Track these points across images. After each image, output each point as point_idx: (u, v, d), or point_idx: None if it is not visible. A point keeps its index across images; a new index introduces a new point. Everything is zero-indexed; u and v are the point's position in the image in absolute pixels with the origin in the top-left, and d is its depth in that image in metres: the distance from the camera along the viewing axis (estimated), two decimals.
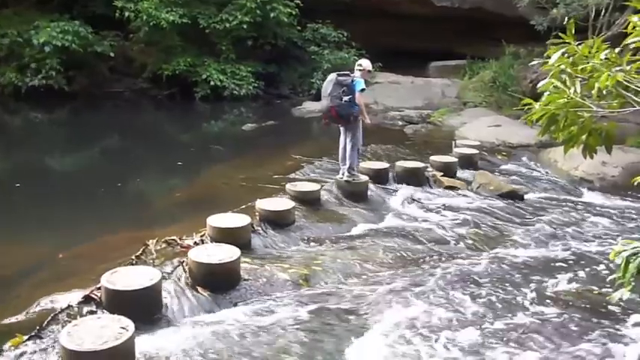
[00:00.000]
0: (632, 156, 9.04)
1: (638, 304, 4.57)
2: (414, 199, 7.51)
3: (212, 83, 15.12)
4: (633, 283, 2.90)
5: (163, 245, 5.34)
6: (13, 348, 3.75)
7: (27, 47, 14.52)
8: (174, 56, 15.43)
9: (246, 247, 5.37)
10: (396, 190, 7.75)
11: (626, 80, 2.81)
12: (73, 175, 9.54)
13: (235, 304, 4.60)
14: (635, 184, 3.33)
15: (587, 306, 4.82)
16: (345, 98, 6.80)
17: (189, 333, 4.12)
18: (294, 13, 15.85)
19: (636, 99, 2.90)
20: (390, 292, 4.90)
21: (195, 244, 5.33)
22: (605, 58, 2.89)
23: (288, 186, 6.97)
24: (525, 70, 13.61)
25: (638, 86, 2.82)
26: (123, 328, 3.61)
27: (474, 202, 7.60)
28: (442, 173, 8.39)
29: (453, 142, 10.34)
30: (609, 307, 4.62)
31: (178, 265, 4.92)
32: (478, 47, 17.00)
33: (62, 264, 5.46)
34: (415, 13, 17.50)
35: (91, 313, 4.11)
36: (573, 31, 2.97)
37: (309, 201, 6.80)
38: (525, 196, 7.93)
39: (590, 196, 8.24)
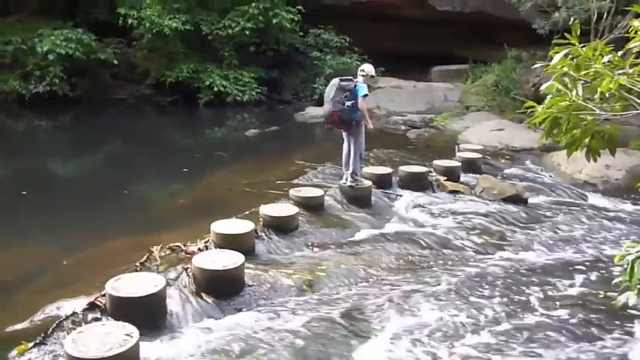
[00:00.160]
0: (636, 159, 9.02)
1: None
2: (417, 204, 7.50)
3: (215, 89, 15.17)
4: (639, 287, 2.88)
5: (167, 252, 5.34)
6: (18, 355, 3.76)
7: (31, 55, 14.62)
8: (177, 63, 15.49)
9: (250, 253, 5.37)
10: (400, 195, 7.74)
11: (629, 83, 2.81)
12: (77, 181, 9.56)
13: (239, 310, 4.60)
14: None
15: (593, 309, 4.80)
16: (348, 103, 6.80)
17: (194, 339, 4.12)
18: (296, 19, 15.90)
19: (639, 102, 2.90)
20: (395, 297, 4.89)
21: (200, 250, 5.33)
22: (608, 61, 2.89)
23: (292, 191, 6.97)
24: (528, 74, 13.61)
25: None
26: (127, 334, 3.62)
27: (478, 206, 7.59)
28: (445, 177, 8.38)
29: (456, 147, 10.33)
30: (615, 310, 4.60)
31: (182, 272, 4.92)
32: (480, 51, 17.02)
33: (66, 270, 5.47)
34: (416, 17, 17.53)
35: (96, 320, 4.12)
36: (578, 33, 2.97)
37: (312, 206, 6.80)
38: (529, 200, 7.91)
39: (594, 200, 8.21)
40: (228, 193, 8.21)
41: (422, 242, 6.31)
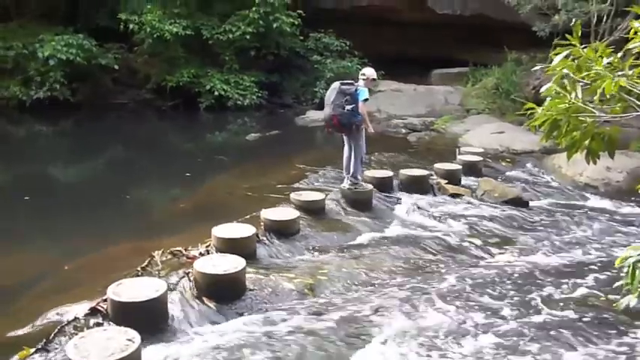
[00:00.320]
0: (637, 161, 9.01)
1: None
2: (418, 207, 7.50)
3: (216, 93, 15.18)
4: None
5: (169, 256, 5.35)
6: None
7: (32, 60, 14.65)
8: (177, 67, 15.52)
9: (251, 257, 5.37)
10: (401, 198, 7.74)
11: (628, 85, 2.81)
12: (78, 186, 9.57)
13: (241, 315, 4.60)
14: None
15: (596, 312, 4.79)
16: (348, 107, 6.80)
17: (196, 344, 4.12)
18: (296, 23, 15.92)
19: (639, 103, 2.90)
20: (396, 301, 4.89)
21: (201, 254, 5.33)
22: (608, 63, 2.89)
23: (293, 195, 6.98)
24: (528, 77, 13.61)
25: None
26: (129, 339, 3.62)
27: (479, 209, 7.59)
28: (446, 181, 8.38)
29: (457, 150, 10.33)
30: (616, 313, 4.59)
31: (184, 276, 4.92)
32: (480, 54, 17.04)
33: (68, 275, 5.47)
34: (416, 20, 17.56)
35: (98, 325, 4.11)
36: (579, 34, 2.97)
37: (313, 210, 6.80)
38: (530, 203, 7.91)
39: (595, 202, 8.20)
40: (229, 197, 8.22)
41: (423, 246, 6.31)
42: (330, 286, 5.21)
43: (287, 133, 13.74)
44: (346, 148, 7.24)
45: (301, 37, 16.98)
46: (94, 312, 4.27)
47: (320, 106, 10.97)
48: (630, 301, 2.87)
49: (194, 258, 5.19)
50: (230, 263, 4.84)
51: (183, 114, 15.63)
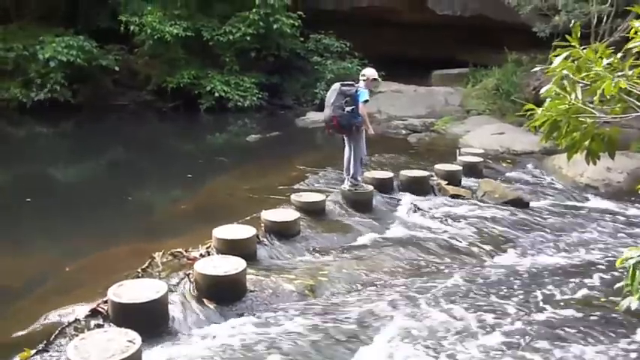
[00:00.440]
0: (637, 161, 9.01)
1: None
2: (418, 208, 7.50)
3: (216, 95, 15.19)
4: None
5: (169, 257, 5.35)
6: None
7: (32, 62, 14.66)
8: (178, 69, 15.53)
9: (251, 259, 5.37)
10: (401, 200, 7.74)
11: (628, 85, 2.81)
12: (79, 188, 9.58)
13: (241, 316, 4.60)
14: None
15: (596, 313, 4.79)
16: (348, 108, 6.80)
17: (196, 345, 4.12)
18: (296, 24, 15.93)
19: (639, 104, 2.90)
20: (397, 302, 4.89)
21: (201, 255, 5.34)
22: (608, 64, 2.90)
23: (293, 196, 6.98)
24: (528, 77, 13.60)
25: None
26: (130, 341, 3.62)
27: (479, 210, 7.59)
28: (447, 182, 8.38)
29: (457, 151, 10.33)
30: (617, 314, 4.59)
31: (184, 278, 4.93)
32: (480, 55, 17.04)
33: (68, 277, 5.48)
34: (416, 21, 17.58)
35: (98, 326, 4.12)
36: (579, 35, 2.97)
37: (314, 211, 6.80)
38: (531, 204, 7.91)
39: (595, 203, 8.20)
40: (230, 198, 8.23)
41: (424, 247, 6.31)
42: (330, 287, 5.21)
43: (287, 134, 13.74)
44: (347, 149, 7.24)
45: (301, 39, 16.99)
46: (94, 313, 4.27)
47: (320, 108, 10.99)
48: (631, 302, 2.87)
49: (194, 259, 5.19)
50: (230, 264, 4.84)
51: (183, 115, 15.64)
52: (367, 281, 5.39)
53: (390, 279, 5.46)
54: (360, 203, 7.25)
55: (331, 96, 6.93)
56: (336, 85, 7.00)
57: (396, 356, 4.09)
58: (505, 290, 5.20)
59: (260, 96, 15.82)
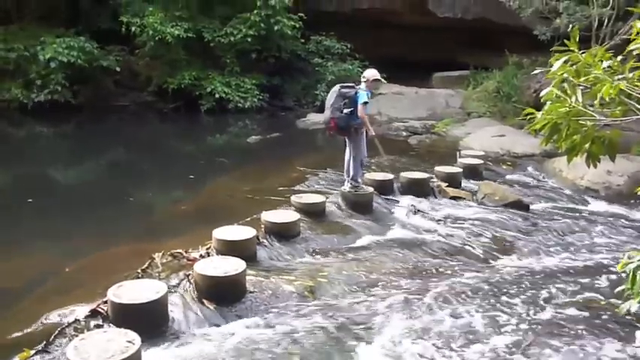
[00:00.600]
0: (637, 164, 9.01)
1: None
2: (418, 210, 7.49)
3: (217, 96, 15.21)
4: None
5: (169, 258, 5.35)
6: None
7: (33, 63, 14.68)
8: (179, 70, 15.54)
9: (251, 260, 5.37)
10: (401, 201, 7.74)
11: (628, 88, 2.81)
12: (79, 188, 9.58)
13: (241, 317, 4.60)
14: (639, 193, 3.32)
15: (597, 316, 4.78)
16: (346, 110, 6.80)
17: (196, 346, 4.12)
18: (297, 25, 15.94)
19: (639, 107, 2.90)
20: (396, 303, 4.88)
21: (201, 256, 5.34)
22: (608, 67, 2.90)
23: (294, 198, 6.98)
24: (529, 80, 13.62)
25: None
26: (129, 341, 3.62)
27: (479, 212, 7.59)
28: (447, 184, 8.38)
29: (458, 153, 10.33)
30: (618, 318, 4.58)
31: (184, 278, 4.93)
32: (481, 57, 17.06)
33: (68, 277, 5.48)
34: (417, 23, 17.60)
35: (98, 326, 4.12)
36: (577, 39, 2.97)
37: (314, 213, 6.80)
38: (531, 206, 7.91)
39: (596, 206, 8.20)
40: (230, 199, 8.23)
41: (423, 248, 6.31)
42: (330, 288, 5.20)
43: (288, 135, 13.75)
44: (347, 150, 7.24)
45: (302, 40, 17.02)
46: (94, 314, 4.27)
47: (321, 109, 10.98)
48: (631, 305, 2.87)
49: (194, 260, 5.19)
50: (230, 265, 4.84)
51: (184, 116, 15.65)
52: (367, 283, 5.38)
53: (390, 280, 5.45)
54: (360, 205, 7.25)
55: (330, 98, 6.94)
56: (336, 87, 7.01)
57: (396, 357, 4.09)
58: (505, 292, 5.19)
59: (261, 97, 15.84)
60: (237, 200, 8.01)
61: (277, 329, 4.40)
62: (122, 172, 10.64)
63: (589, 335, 4.44)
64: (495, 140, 11.56)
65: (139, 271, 5.02)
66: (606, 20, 11.76)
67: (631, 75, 2.86)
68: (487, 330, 4.49)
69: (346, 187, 7.34)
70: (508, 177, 9.59)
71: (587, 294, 5.23)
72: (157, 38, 15.00)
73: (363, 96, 6.78)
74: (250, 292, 4.86)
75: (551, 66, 3.02)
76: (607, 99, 2.84)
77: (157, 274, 5.01)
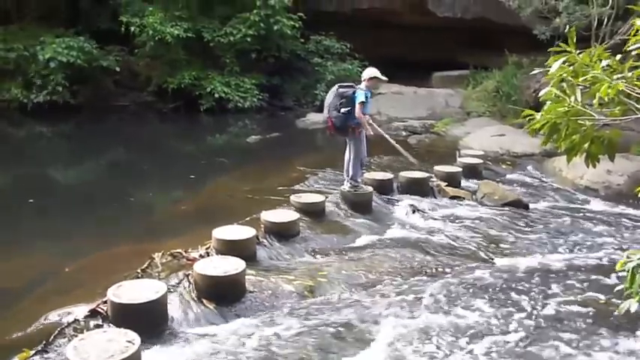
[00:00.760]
0: (637, 164, 9.02)
1: None
2: (418, 210, 7.50)
3: (216, 96, 15.20)
4: None
5: (169, 258, 5.35)
6: None
7: (33, 63, 14.67)
8: (179, 70, 15.54)
9: (251, 259, 5.37)
10: (400, 201, 7.74)
11: (627, 88, 2.81)
12: (79, 188, 9.58)
13: (240, 317, 4.60)
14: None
15: (595, 316, 4.79)
16: (343, 110, 6.79)
17: (195, 346, 4.12)
18: (297, 25, 15.94)
19: (639, 106, 2.90)
20: (396, 303, 4.89)
21: (201, 256, 5.34)
22: (607, 66, 2.89)
23: (293, 197, 6.98)
24: (528, 80, 13.61)
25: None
26: (129, 341, 3.62)
27: (479, 211, 7.59)
28: (446, 183, 8.38)
29: (457, 152, 10.34)
30: (617, 317, 4.58)
31: (184, 278, 4.93)
32: (481, 57, 17.05)
33: (68, 277, 5.48)
34: (417, 23, 17.58)
35: (98, 326, 4.12)
36: (575, 40, 2.97)
37: (313, 212, 6.80)
38: (530, 206, 7.92)
39: (595, 205, 8.20)
40: (230, 199, 8.23)
41: (423, 248, 6.32)
42: (329, 288, 5.21)
43: (287, 135, 13.75)
44: (347, 150, 7.24)
45: (302, 40, 17.00)
46: (94, 314, 4.27)
47: (320, 109, 10.99)
48: (631, 305, 2.87)
49: (194, 260, 5.19)
50: (230, 265, 4.84)
51: (184, 116, 15.64)
52: (366, 282, 5.39)
53: (390, 280, 5.46)
54: (359, 204, 7.26)
55: (329, 98, 6.95)
56: (335, 87, 7.01)
57: (396, 356, 4.09)
58: (504, 292, 5.20)
59: (260, 97, 15.83)
60: (237, 200, 8.01)
61: (277, 329, 4.40)
62: (122, 172, 10.64)
63: (589, 334, 4.45)
64: (495, 140, 11.56)
65: (139, 271, 5.02)
66: (606, 19, 11.76)
67: (630, 74, 2.85)
68: (486, 329, 4.49)
69: (346, 186, 7.34)
70: (508, 176, 9.60)
71: (587, 293, 5.24)
72: (156, 38, 14.99)
73: (360, 95, 6.76)
74: (250, 292, 4.87)
75: (550, 67, 3.02)
76: (606, 99, 2.83)
77: (157, 274, 5.01)
